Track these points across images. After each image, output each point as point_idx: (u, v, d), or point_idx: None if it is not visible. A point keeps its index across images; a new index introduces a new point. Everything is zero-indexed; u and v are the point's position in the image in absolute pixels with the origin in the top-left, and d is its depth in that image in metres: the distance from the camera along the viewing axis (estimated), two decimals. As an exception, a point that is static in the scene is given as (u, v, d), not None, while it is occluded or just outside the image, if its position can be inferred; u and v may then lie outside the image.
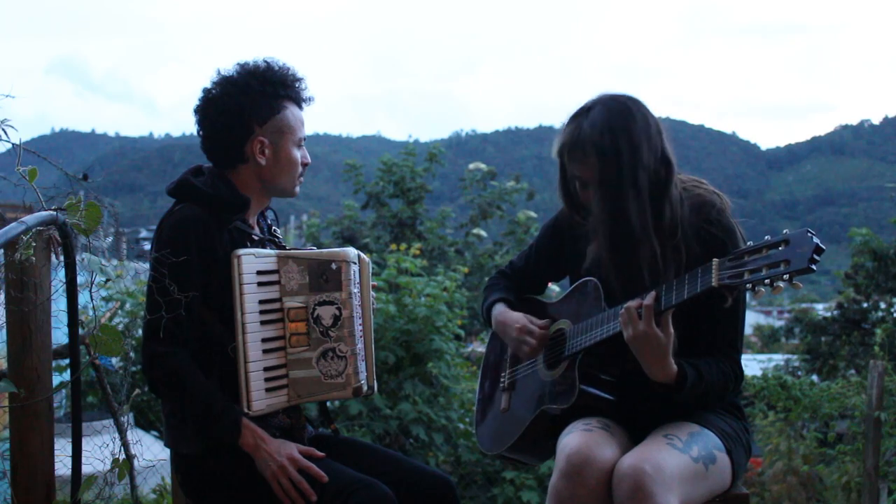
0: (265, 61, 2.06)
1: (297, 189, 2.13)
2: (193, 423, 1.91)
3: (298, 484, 1.86)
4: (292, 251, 2.03)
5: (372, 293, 2.14)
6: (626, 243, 1.93)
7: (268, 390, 1.94)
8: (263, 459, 1.88)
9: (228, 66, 2.05)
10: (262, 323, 1.94)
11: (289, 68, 2.09)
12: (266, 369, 1.94)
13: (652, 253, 1.92)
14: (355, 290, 2.01)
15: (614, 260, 1.96)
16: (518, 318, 2.18)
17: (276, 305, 1.97)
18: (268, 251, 1.99)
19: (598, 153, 1.91)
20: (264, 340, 1.95)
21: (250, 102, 2.00)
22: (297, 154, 2.07)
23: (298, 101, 2.10)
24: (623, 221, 1.91)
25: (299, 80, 2.10)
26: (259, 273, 1.95)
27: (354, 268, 2.01)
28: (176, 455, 2.02)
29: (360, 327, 2.02)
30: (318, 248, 2.07)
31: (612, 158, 1.90)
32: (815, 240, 1.56)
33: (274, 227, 2.18)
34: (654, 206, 1.94)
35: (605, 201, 1.93)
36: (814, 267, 1.55)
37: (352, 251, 2.02)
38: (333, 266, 1.97)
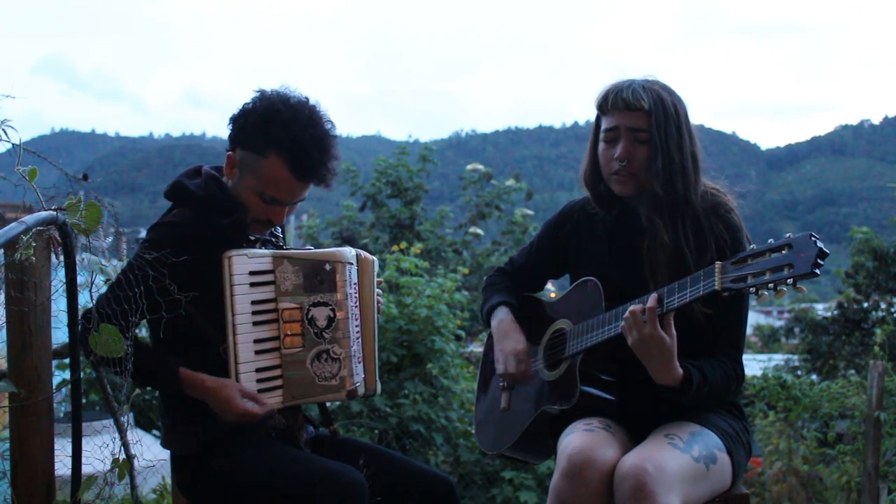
0: (311, 120, 1.94)
1: (254, 230, 2.03)
2: (137, 383, 1.95)
3: (248, 413, 1.87)
4: (288, 251, 2.01)
5: (378, 290, 2.11)
6: (673, 207, 1.95)
7: (261, 391, 1.93)
8: (215, 405, 1.89)
9: (293, 91, 1.97)
10: (256, 324, 1.94)
11: (323, 141, 1.94)
12: (259, 370, 1.93)
13: (696, 225, 1.95)
14: (351, 292, 1.99)
15: (654, 225, 1.96)
16: (519, 340, 2.17)
17: (271, 306, 1.96)
18: (262, 251, 1.98)
19: (653, 101, 1.95)
20: (257, 341, 1.94)
21: (249, 128, 1.95)
22: (257, 201, 1.96)
23: (304, 174, 1.94)
24: (671, 179, 1.94)
25: (324, 159, 1.95)
26: (252, 273, 1.93)
27: (350, 269, 1.99)
28: (173, 455, 2.02)
29: (358, 329, 2.01)
30: (317, 248, 2.06)
31: (669, 111, 1.95)
32: (819, 244, 1.56)
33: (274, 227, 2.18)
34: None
35: (656, 153, 1.95)
36: (817, 271, 1.55)
37: (348, 251, 2.00)
38: (327, 267, 1.96)
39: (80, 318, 1.95)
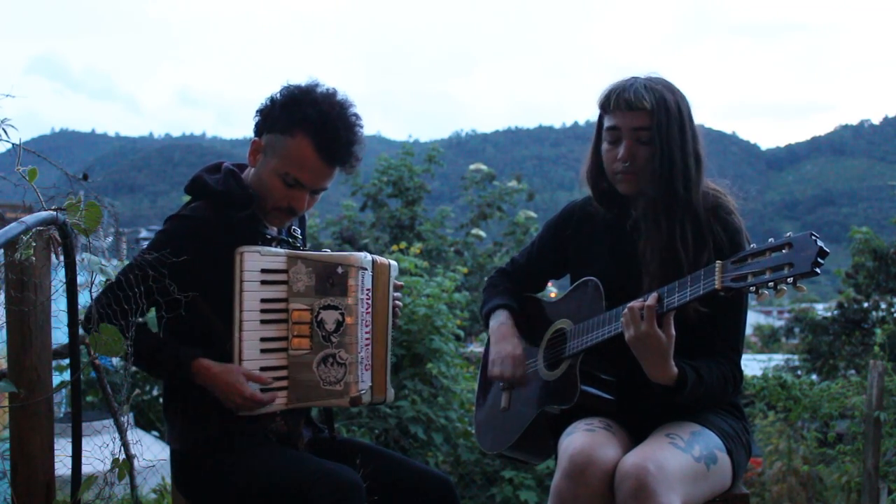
0: (340, 104, 1.96)
1: (273, 222, 2.03)
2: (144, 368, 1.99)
3: (254, 398, 1.87)
4: (303, 252, 2.00)
5: (397, 294, 2.08)
6: (672, 206, 1.95)
7: (264, 391, 1.92)
8: (220, 390, 1.88)
9: (311, 80, 1.99)
10: (263, 322, 1.93)
11: (352, 127, 1.96)
12: (263, 369, 1.93)
13: (695, 224, 1.95)
14: (363, 297, 1.95)
15: (654, 228, 1.96)
16: (517, 345, 2.17)
17: (282, 306, 1.95)
18: (276, 250, 1.97)
19: (655, 101, 1.94)
20: (264, 340, 1.93)
21: (277, 111, 1.96)
22: (279, 185, 1.96)
23: (330, 154, 1.94)
24: (671, 179, 1.94)
25: (351, 140, 1.95)
26: (264, 271, 1.93)
27: (364, 274, 1.96)
28: (172, 452, 2.02)
29: (368, 335, 1.98)
30: (316, 248, 2.06)
31: (671, 110, 1.94)
32: (819, 243, 1.56)
33: (294, 227, 2.15)
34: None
35: (657, 153, 1.94)
36: (818, 270, 1.55)
37: (363, 256, 1.97)
38: (339, 270, 1.94)
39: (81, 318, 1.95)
